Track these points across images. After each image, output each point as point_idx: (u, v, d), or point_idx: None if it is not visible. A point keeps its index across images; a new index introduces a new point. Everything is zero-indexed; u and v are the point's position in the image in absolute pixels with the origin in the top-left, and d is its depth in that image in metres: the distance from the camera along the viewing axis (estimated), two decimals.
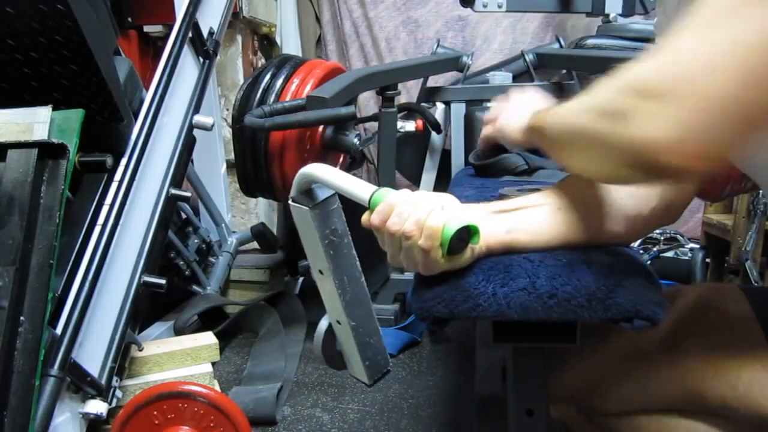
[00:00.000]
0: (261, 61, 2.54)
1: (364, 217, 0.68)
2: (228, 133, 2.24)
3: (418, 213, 0.64)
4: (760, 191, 2.11)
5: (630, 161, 0.53)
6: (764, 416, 0.71)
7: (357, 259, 0.78)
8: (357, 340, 0.77)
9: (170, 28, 1.55)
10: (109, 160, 1.26)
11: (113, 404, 1.21)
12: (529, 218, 0.72)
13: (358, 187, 0.69)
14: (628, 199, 0.76)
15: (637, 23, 2.23)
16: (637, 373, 0.77)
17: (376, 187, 0.69)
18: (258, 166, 1.74)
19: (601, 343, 0.80)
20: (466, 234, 0.65)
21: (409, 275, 1.92)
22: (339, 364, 0.82)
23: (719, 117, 0.49)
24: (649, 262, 2.23)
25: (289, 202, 0.74)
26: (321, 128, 1.80)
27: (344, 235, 0.76)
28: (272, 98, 1.72)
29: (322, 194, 0.73)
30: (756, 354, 0.72)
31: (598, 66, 1.99)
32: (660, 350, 0.77)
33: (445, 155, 2.19)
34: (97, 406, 1.14)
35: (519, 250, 0.70)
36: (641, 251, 2.35)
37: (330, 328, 0.81)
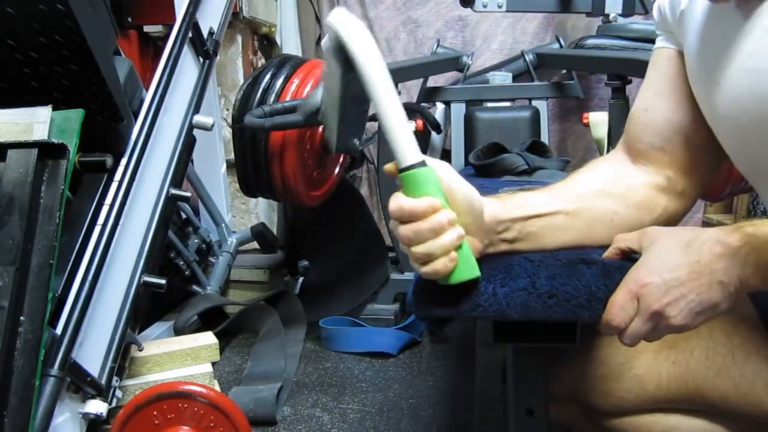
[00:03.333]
0: (261, 61, 2.54)
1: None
2: (228, 133, 2.24)
3: (437, 246, 0.60)
4: None
5: None
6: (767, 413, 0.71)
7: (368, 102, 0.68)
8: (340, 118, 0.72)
9: (170, 28, 1.55)
10: (109, 160, 1.25)
11: (113, 404, 1.21)
12: (537, 229, 0.72)
13: (403, 138, 0.60)
14: (634, 209, 0.76)
15: (637, 23, 2.23)
16: (638, 372, 0.77)
17: (420, 158, 0.61)
18: (258, 166, 1.74)
19: (601, 341, 0.80)
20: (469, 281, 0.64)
21: (409, 275, 1.92)
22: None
23: None
24: None
25: (322, 46, 0.66)
26: (321, 128, 1.80)
27: (364, 97, 0.65)
28: (272, 98, 1.72)
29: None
30: (759, 352, 0.72)
31: (598, 66, 2.00)
32: (661, 348, 0.77)
33: (445, 155, 2.20)
34: (97, 406, 1.14)
35: (519, 253, 0.71)
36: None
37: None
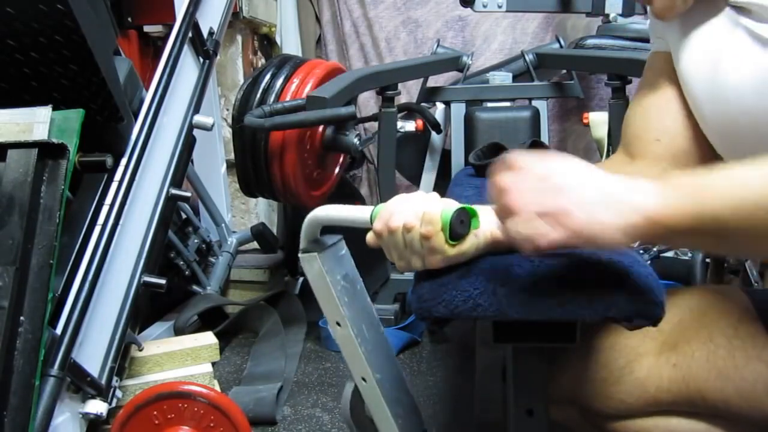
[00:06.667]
0: (261, 61, 2.54)
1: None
2: (228, 133, 2.24)
3: (415, 205, 0.65)
4: None
5: None
6: None
7: (372, 306, 0.78)
8: (385, 396, 0.74)
9: (170, 28, 1.55)
10: (109, 160, 1.25)
11: (113, 404, 1.21)
12: None
13: (358, 212, 0.71)
14: None
15: (637, 23, 2.23)
16: (639, 375, 0.77)
17: (373, 206, 0.70)
18: (258, 166, 1.74)
19: (602, 344, 0.80)
20: (466, 217, 0.65)
21: (409, 275, 1.92)
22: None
23: None
24: (649, 262, 2.23)
25: (300, 255, 0.75)
26: (321, 128, 1.80)
27: (356, 280, 0.76)
28: (272, 98, 1.72)
29: (329, 240, 0.75)
30: (760, 354, 0.72)
31: (598, 66, 1.99)
32: (662, 351, 0.77)
33: (445, 155, 2.19)
34: (97, 406, 1.14)
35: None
36: (641, 251, 2.35)
37: (356, 391, 0.77)
